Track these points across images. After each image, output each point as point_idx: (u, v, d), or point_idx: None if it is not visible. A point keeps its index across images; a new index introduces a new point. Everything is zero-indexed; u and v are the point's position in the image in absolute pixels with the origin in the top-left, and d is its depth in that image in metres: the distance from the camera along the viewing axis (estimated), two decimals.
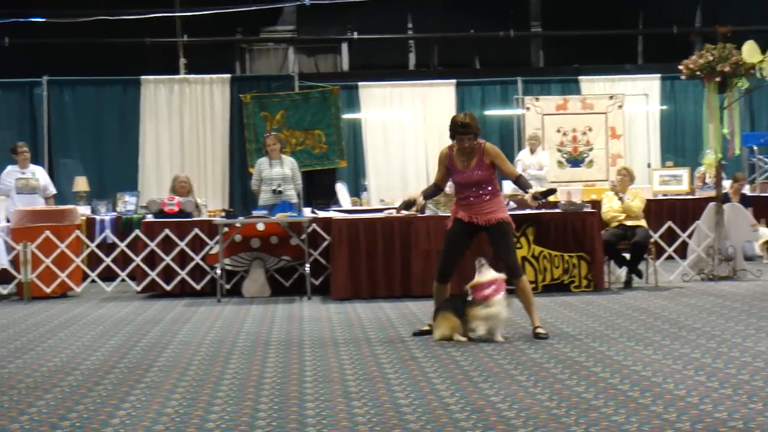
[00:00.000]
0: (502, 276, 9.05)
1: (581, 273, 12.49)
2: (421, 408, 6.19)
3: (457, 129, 9.07)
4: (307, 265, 12.76)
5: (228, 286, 12.99)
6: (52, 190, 14.99)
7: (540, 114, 19.25)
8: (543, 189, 9.54)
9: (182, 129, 19.21)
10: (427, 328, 9.26)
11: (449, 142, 20.97)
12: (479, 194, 9.06)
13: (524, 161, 17.56)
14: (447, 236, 9.30)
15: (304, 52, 22.54)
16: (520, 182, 9.24)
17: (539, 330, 8.97)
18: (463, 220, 9.11)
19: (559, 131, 19.26)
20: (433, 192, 9.64)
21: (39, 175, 14.80)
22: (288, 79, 19.87)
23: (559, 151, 19.22)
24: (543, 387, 6.74)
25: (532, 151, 17.61)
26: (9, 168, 14.66)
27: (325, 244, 12.95)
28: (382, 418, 5.96)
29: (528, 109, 19.32)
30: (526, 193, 9.18)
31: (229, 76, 19.63)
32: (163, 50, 20.70)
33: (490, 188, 9.10)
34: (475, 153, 9.06)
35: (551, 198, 11.26)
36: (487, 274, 9.01)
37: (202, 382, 7.22)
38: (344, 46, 22.34)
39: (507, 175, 9.29)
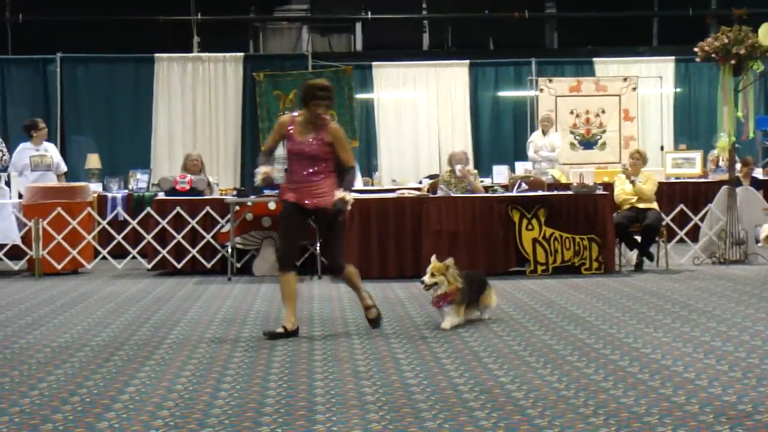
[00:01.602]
0: (448, 286, 8.51)
1: (592, 255, 12.46)
2: (430, 388, 6.19)
3: (315, 93, 8.15)
4: (318, 245, 12.75)
5: (238, 265, 13.01)
6: (64, 168, 15.01)
7: (553, 95, 19.19)
8: (343, 201, 8.17)
9: (195, 107, 19.22)
10: (280, 330, 8.22)
11: (463, 123, 20.90)
12: (311, 172, 8.19)
13: (536, 143, 17.52)
14: (280, 221, 8.68)
15: (317, 31, 22.46)
16: (345, 176, 8.28)
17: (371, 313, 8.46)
18: (289, 200, 8.30)
19: (572, 113, 19.21)
20: (264, 160, 8.50)
21: (52, 152, 14.82)
22: (301, 59, 19.86)
23: (572, 133, 19.17)
24: (552, 368, 6.73)
25: (545, 133, 17.57)
26: (22, 145, 14.68)
27: None
28: (391, 397, 5.97)
29: (541, 90, 19.27)
30: (339, 191, 8.17)
31: (242, 54, 19.63)
32: (177, 28, 20.64)
33: (324, 167, 8.23)
34: (318, 127, 8.22)
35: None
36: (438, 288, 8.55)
37: (211, 360, 7.24)
38: (358, 26, 22.26)
39: (341, 162, 8.27)
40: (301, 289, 11.42)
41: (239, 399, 5.98)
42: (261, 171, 8.30)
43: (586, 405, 5.70)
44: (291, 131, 8.27)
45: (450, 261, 8.63)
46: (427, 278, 8.55)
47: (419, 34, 22.33)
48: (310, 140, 8.20)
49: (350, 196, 8.26)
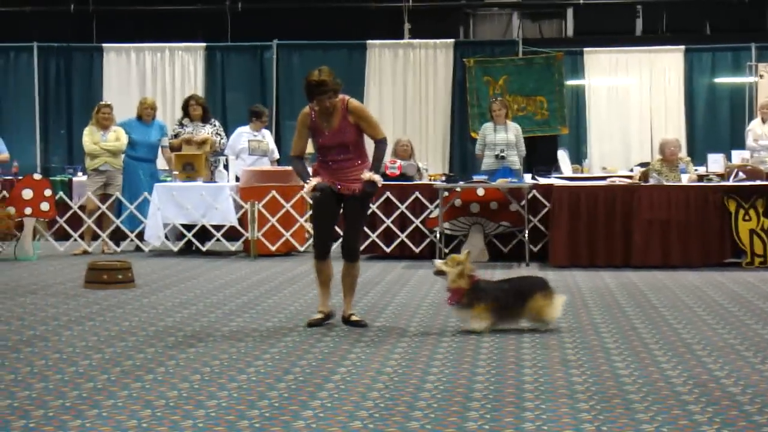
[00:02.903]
0: (452, 282, 7.89)
1: None
2: (641, 379, 6.07)
3: (312, 90, 7.87)
4: (526, 232, 12.69)
5: (447, 250, 13.04)
6: (277, 155, 15.39)
7: None
8: (373, 184, 8.02)
9: (405, 93, 19.41)
10: (320, 316, 8.17)
11: (677, 110, 20.34)
12: (343, 158, 8.01)
13: (755, 131, 16.88)
14: (313, 207, 8.35)
15: (528, 17, 22.27)
16: (375, 153, 8.07)
17: (355, 317, 8.13)
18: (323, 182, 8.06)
19: None
20: (302, 167, 8.25)
21: (268, 138, 15.22)
22: (512, 45, 19.77)
23: None
24: None
25: (764, 121, 16.90)
26: (240, 129, 15.11)
27: (544, 210, 12.83)
28: (601, 387, 5.88)
29: (761, 76, 18.57)
30: (366, 172, 7.97)
31: (452, 40, 19.69)
32: (388, 15, 20.87)
33: (355, 151, 8.05)
34: (337, 111, 7.98)
35: None
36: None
37: (419, 344, 7.31)
38: (569, 11, 21.94)
39: (370, 137, 8.08)
40: (510, 276, 11.39)
41: (447, 384, 6.01)
42: (312, 183, 7.98)
43: None
44: (316, 124, 8.02)
45: (463, 256, 8.01)
46: (439, 261, 8.12)
47: (632, 19, 21.84)
48: (337, 129, 7.97)
49: (378, 178, 8.02)
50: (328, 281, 8.20)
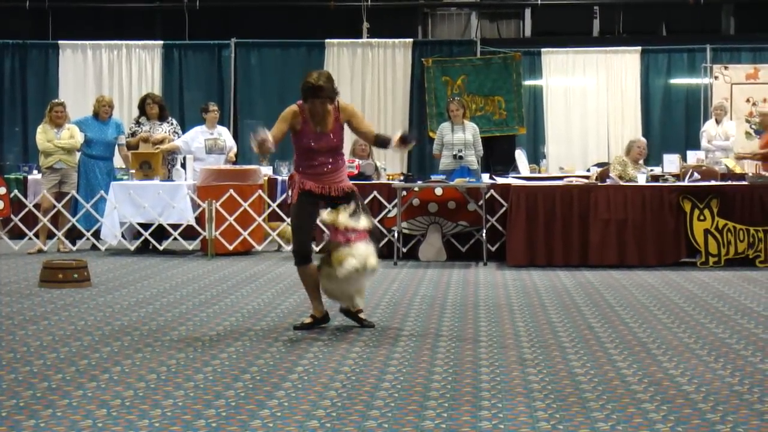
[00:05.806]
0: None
1: (767, 248, 12.08)
2: (597, 378, 6.11)
3: (307, 92, 7.73)
4: (484, 231, 12.73)
5: (405, 250, 13.08)
6: (235, 149, 15.31)
7: (728, 83, 18.64)
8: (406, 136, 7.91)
9: (363, 92, 19.41)
10: (309, 320, 8.07)
11: (633, 111, 20.42)
12: (332, 162, 7.91)
13: (710, 131, 17.06)
14: (296, 212, 8.00)
15: (486, 17, 22.35)
16: (380, 139, 8.02)
17: (362, 315, 8.13)
18: (313, 191, 7.89)
19: (748, 101, 18.63)
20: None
21: (225, 135, 15.15)
22: (470, 45, 19.83)
23: (748, 121, 18.59)
24: (725, 362, 6.56)
25: (718, 122, 17.09)
26: (197, 128, 15.04)
27: (502, 210, 12.89)
28: (557, 386, 5.92)
29: (716, 78, 18.75)
30: (390, 141, 7.85)
31: (411, 40, 19.71)
32: (347, 14, 20.87)
33: (341, 154, 8.04)
34: (329, 114, 7.84)
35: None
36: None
37: (377, 343, 7.31)
38: (527, 12, 22.05)
39: (364, 134, 8.13)
40: (467, 275, 11.45)
41: (405, 383, 6.02)
42: (262, 136, 7.64)
43: (761, 401, 5.54)
44: (306, 125, 7.87)
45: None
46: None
47: (590, 19, 21.98)
48: (330, 132, 7.88)
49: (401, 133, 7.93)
50: (315, 285, 8.06)
